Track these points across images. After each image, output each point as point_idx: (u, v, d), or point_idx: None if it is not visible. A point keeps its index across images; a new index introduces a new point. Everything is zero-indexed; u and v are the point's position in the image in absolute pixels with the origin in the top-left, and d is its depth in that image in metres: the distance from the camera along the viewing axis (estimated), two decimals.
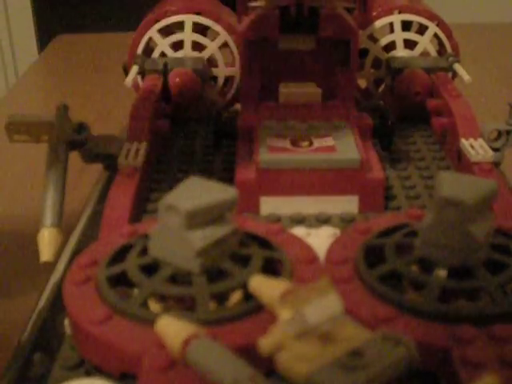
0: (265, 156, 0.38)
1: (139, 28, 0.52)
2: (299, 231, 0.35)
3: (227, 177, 0.42)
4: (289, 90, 0.44)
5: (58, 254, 0.35)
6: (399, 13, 0.52)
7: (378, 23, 0.52)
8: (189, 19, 0.51)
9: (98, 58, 0.91)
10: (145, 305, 0.27)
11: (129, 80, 0.48)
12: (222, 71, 0.52)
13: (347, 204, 0.38)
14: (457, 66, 0.50)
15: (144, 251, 0.29)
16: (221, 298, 0.28)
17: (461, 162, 0.42)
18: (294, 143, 0.39)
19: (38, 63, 0.98)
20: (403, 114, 0.51)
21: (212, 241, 0.28)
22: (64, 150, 0.40)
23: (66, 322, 0.29)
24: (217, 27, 0.51)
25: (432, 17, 0.52)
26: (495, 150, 0.42)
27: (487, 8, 1.42)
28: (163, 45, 0.51)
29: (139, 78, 0.51)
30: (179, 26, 0.51)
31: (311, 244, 0.32)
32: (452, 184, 0.28)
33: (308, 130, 0.41)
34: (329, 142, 0.40)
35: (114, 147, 0.42)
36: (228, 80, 0.53)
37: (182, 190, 0.28)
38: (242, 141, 0.42)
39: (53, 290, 0.33)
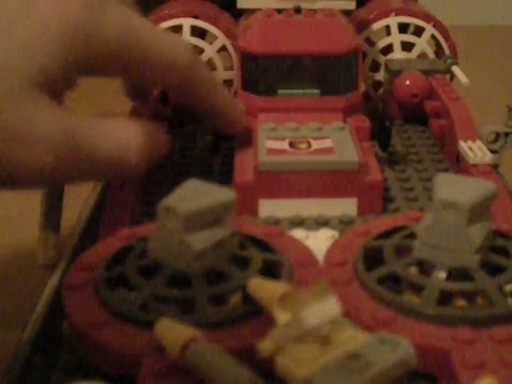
0: (263, 158, 0.38)
1: None
2: (298, 233, 0.35)
3: (226, 179, 0.42)
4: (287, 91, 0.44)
5: (56, 257, 0.35)
6: (395, 15, 0.52)
7: (375, 26, 0.52)
8: (187, 23, 0.51)
9: None
10: (144, 307, 0.27)
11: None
12: (220, 75, 0.52)
13: (346, 206, 0.38)
14: (455, 68, 0.50)
15: (143, 254, 0.29)
16: (220, 300, 0.28)
17: (459, 164, 0.42)
18: (293, 145, 0.39)
19: None
20: (401, 116, 0.51)
21: (211, 243, 0.28)
22: None
23: (65, 324, 0.29)
24: (215, 31, 0.51)
25: (428, 18, 0.52)
26: (493, 152, 0.42)
27: (485, 10, 1.42)
28: None
29: None
30: (177, 30, 0.51)
31: (310, 246, 0.32)
32: (450, 186, 0.28)
33: (306, 132, 0.41)
34: (327, 143, 0.40)
35: None
36: (226, 83, 0.53)
37: (181, 192, 0.29)
38: (240, 143, 0.42)
39: (51, 292, 0.33)
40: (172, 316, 0.25)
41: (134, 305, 0.27)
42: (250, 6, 0.48)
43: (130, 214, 0.37)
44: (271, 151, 0.39)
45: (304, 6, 0.46)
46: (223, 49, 0.52)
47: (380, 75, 0.53)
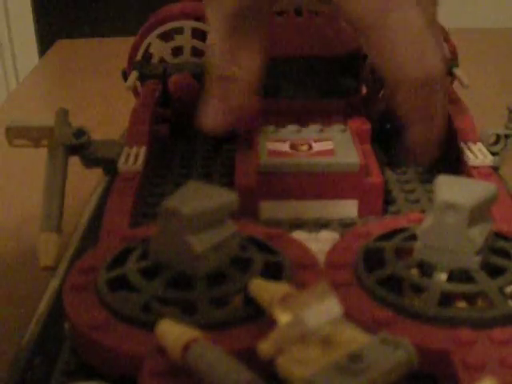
0: (264, 160, 0.38)
1: (139, 33, 0.52)
2: (299, 235, 0.35)
3: (227, 181, 0.42)
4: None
5: (57, 259, 0.35)
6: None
7: None
8: (188, 25, 0.51)
9: (98, 62, 0.91)
10: (145, 309, 0.27)
11: (128, 85, 0.48)
12: None
13: (346, 208, 0.38)
14: (456, 70, 0.50)
15: (144, 255, 0.30)
16: (221, 301, 0.28)
17: (460, 166, 0.42)
18: (293, 147, 0.40)
19: (39, 68, 0.98)
20: None
21: (212, 245, 0.28)
22: (64, 155, 0.40)
23: (66, 326, 0.29)
24: None
25: None
26: (494, 154, 0.42)
27: (486, 12, 1.42)
28: (163, 50, 0.51)
29: (138, 84, 0.51)
30: (178, 32, 0.52)
31: (311, 248, 0.32)
32: (451, 187, 0.29)
33: (307, 134, 0.41)
34: (328, 146, 0.40)
35: (114, 152, 0.42)
36: None
37: (182, 193, 0.29)
38: (241, 145, 0.42)
39: (53, 294, 0.33)
40: (173, 317, 0.25)
41: (135, 306, 0.27)
42: None
43: (131, 216, 0.37)
44: (272, 153, 0.39)
45: (305, 8, 0.46)
46: None
47: (381, 77, 0.52)
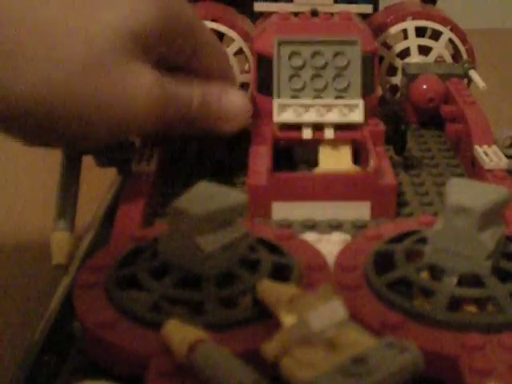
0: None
1: None
2: (310, 237, 0.35)
3: (239, 181, 0.42)
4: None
5: (70, 257, 0.36)
6: (412, 19, 0.52)
7: (392, 30, 0.52)
8: None
9: None
10: (154, 308, 0.27)
11: None
12: (237, 78, 0.52)
13: (359, 210, 0.38)
14: (472, 73, 0.50)
15: (154, 255, 0.30)
16: (229, 302, 0.28)
17: (475, 169, 0.42)
18: None
19: None
20: (418, 119, 0.51)
21: (221, 245, 0.28)
22: (78, 155, 0.40)
23: (76, 324, 0.29)
24: (232, 34, 0.51)
25: (445, 22, 0.52)
26: (509, 157, 0.41)
27: (502, 13, 1.41)
28: None
29: None
30: None
31: (322, 250, 0.32)
32: (463, 191, 0.28)
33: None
34: None
35: (128, 152, 0.43)
36: (243, 86, 0.53)
37: (192, 194, 0.29)
38: (254, 145, 0.42)
39: (64, 292, 0.33)
40: (182, 317, 0.26)
41: (144, 305, 0.27)
42: (267, 10, 0.48)
43: (144, 216, 0.37)
44: None
45: (321, 9, 0.46)
46: (240, 52, 0.52)
47: (397, 79, 0.52)
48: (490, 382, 0.22)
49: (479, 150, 0.41)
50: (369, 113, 0.43)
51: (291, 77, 0.43)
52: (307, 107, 0.42)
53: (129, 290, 0.28)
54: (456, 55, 0.53)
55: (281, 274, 0.29)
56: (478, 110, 0.45)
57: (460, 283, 0.28)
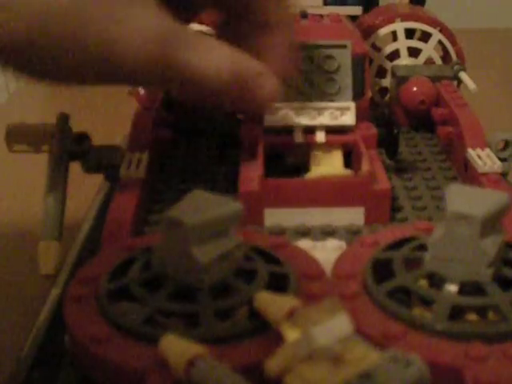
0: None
1: None
2: (304, 244, 0.34)
3: (231, 188, 0.42)
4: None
5: (58, 267, 0.35)
6: (401, 20, 0.52)
7: (381, 31, 0.52)
8: (193, 27, 0.50)
9: None
10: (148, 321, 0.26)
11: (130, 88, 0.47)
12: None
13: (353, 215, 0.38)
14: (462, 75, 0.49)
15: (146, 266, 0.29)
16: (226, 314, 0.27)
17: (468, 173, 0.41)
18: None
19: None
20: (409, 123, 0.50)
21: (216, 255, 0.27)
22: (65, 161, 0.39)
23: (67, 338, 0.28)
24: None
25: (435, 23, 0.52)
26: (502, 160, 0.41)
27: (492, 13, 1.41)
28: None
29: (140, 87, 0.51)
30: None
31: (317, 257, 0.31)
32: (462, 197, 0.28)
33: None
34: None
35: (116, 157, 0.42)
36: None
37: (186, 203, 0.28)
38: (245, 151, 0.41)
39: (53, 304, 0.32)
40: (177, 330, 0.25)
41: (137, 319, 0.26)
42: None
43: (134, 223, 0.36)
44: None
45: (310, 11, 0.45)
46: None
47: (386, 81, 0.52)
48: None
49: (472, 153, 0.41)
50: (360, 116, 0.42)
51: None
52: (298, 111, 0.41)
53: (121, 303, 0.28)
54: (446, 57, 0.52)
55: (277, 283, 0.28)
56: (469, 112, 0.44)
57: (461, 291, 0.27)
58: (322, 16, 0.45)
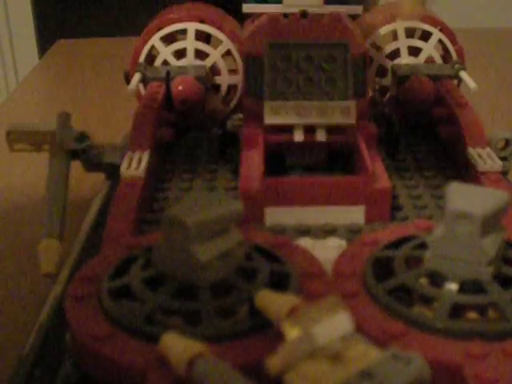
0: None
1: (142, 35, 0.51)
2: (305, 242, 0.34)
3: (231, 186, 0.42)
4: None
5: (59, 266, 0.35)
6: (402, 20, 0.52)
7: (382, 31, 0.52)
8: (192, 27, 0.50)
9: (98, 62, 0.90)
10: (149, 320, 0.26)
11: (131, 87, 0.47)
12: (225, 79, 0.51)
13: (353, 214, 0.38)
14: (462, 74, 0.49)
15: (147, 264, 0.29)
16: (227, 312, 0.27)
17: (468, 172, 0.41)
18: None
19: (39, 68, 0.97)
20: (409, 121, 0.50)
21: (217, 254, 0.27)
22: (65, 160, 0.40)
23: (68, 336, 0.28)
24: (220, 35, 0.51)
25: (435, 22, 0.52)
26: (503, 158, 0.41)
27: (492, 13, 1.41)
28: (166, 53, 0.51)
29: (141, 86, 0.51)
30: (182, 34, 0.51)
31: (318, 256, 0.31)
32: (463, 196, 0.28)
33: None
34: None
35: (116, 156, 0.42)
36: (231, 88, 0.52)
37: (186, 202, 0.28)
38: (246, 150, 0.41)
39: (54, 303, 0.32)
40: (177, 328, 0.25)
41: (138, 317, 0.26)
42: (256, 11, 0.47)
43: (135, 222, 0.36)
44: None
45: (310, 10, 0.45)
46: (228, 53, 0.51)
47: (387, 81, 0.52)
48: None
49: (472, 152, 0.41)
50: (360, 115, 0.42)
51: (282, 79, 0.42)
52: (298, 109, 0.41)
53: (122, 301, 0.28)
54: (446, 56, 0.52)
55: (278, 281, 0.29)
56: (470, 111, 0.44)
57: (461, 290, 0.27)
58: (321, 15, 0.45)
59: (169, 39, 0.51)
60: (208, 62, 0.51)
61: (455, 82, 0.50)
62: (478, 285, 0.27)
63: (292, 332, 0.22)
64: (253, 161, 0.40)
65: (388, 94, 0.52)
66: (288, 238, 0.32)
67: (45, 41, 1.48)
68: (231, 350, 0.25)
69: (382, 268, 0.30)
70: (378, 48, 0.52)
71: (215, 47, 0.51)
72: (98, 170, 0.42)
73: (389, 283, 0.28)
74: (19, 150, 0.39)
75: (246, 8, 0.48)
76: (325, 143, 0.41)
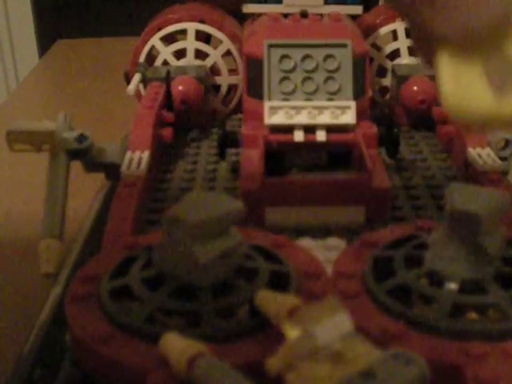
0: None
1: (142, 36, 0.51)
2: (305, 242, 0.34)
3: (231, 186, 0.42)
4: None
5: (59, 266, 0.35)
6: (402, 20, 0.52)
7: (382, 31, 0.52)
8: (192, 27, 0.50)
9: (98, 62, 0.90)
10: (149, 320, 0.26)
11: (131, 88, 0.47)
12: (225, 79, 0.52)
13: (353, 214, 0.38)
14: None
15: (148, 264, 0.29)
16: (227, 313, 0.27)
17: (468, 172, 0.41)
18: None
19: (39, 68, 0.98)
20: (409, 122, 0.50)
21: (217, 254, 0.27)
22: (65, 160, 0.40)
23: (68, 336, 0.28)
24: (220, 35, 0.51)
25: None
26: (503, 159, 0.41)
27: None
28: (166, 53, 0.51)
29: (141, 86, 0.51)
30: (182, 34, 0.51)
31: (317, 256, 0.31)
32: (463, 196, 0.28)
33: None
34: None
35: (117, 156, 0.42)
36: (231, 88, 0.52)
37: (187, 202, 0.28)
38: (246, 150, 0.41)
39: (54, 303, 0.32)
40: (177, 328, 0.25)
41: (138, 317, 0.26)
42: (256, 12, 0.48)
43: (135, 222, 0.36)
44: None
45: (310, 10, 0.45)
46: (228, 53, 0.51)
47: (387, 81, 0.52)
48: None
49: (473, 152, 0.41)
50: (360, 115, 0.42)
51: (282, 79, 0.42)
52: (299, 109, 0.41)
53: (123, 301, 0.28)
54: None
55: (278, 282, 0.29)
56: None
57: (461, 290, 0.27)
58: (322, 15, 0.45)
59: (169, 39, 0.51)
60: (208, 62, 0.51)
61: None
62: (478, 285, 0.27)
63: (292, 332, 0.22)
64: (253, 161, 0.40)
65: (388, 94, 0.52)
66: (288, 238, 0.32)
67: (45, 41, 1.48)
68: (231, 350, 0.25)
69: (382, 268, 0.30)
70: (378, 48, 0.52)
71: (215, 47, 0.51)
72: (98, 170, 0.42)
73: (389, 283, 0.28)
74: (19, 150, 0.39)
75: (247, 8, 0.48)
76: (325, 143, 0.41)
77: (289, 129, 0.41)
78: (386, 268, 0.29)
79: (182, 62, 0.51)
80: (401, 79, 0.50)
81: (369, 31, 0.51)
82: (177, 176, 0.43)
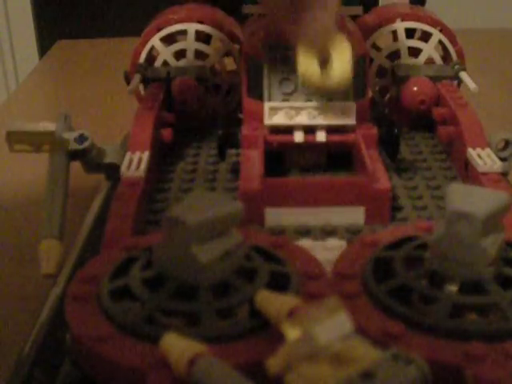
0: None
1: (142, 36, 0.51)
2: (305, 243, 0.34)
3: (231, 186, 0.42)
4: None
5: (59, 266, 0.35)
6: (402, 20, 0.52)
7: (382, 31, 0.52)
8: (192, 28, 0.50)
9: (98, 62, 0.90)
10: (149, 320, 0.26)
11: (131, 88, 0.47)
12: (225, 79, 0.51)
13: (353, 215, 0.38)
14: (463, 74, 0.49)
15: (148, 265, 0.29)
16: (227, 313, 0.27)
17: (468, 172, 0.41)
18: None
19: (39, 68, 0.97)
20: (409, 122, 0.50)
21: (217, 255, 0.27)
22: (65, 160, 0.40)
23: (68, 336, 0.28)
24: (220, 35, 0.51)
25: (435, 23, 0.52)
26: (503, 159, 0.41)
27: (492, 13, 1.41)
28: (166, 53, 0.51)
29: (141, 87, 0.51)
30: (182, 35, 0.51)
31: (318, 257, 0.31)
32: (463, 196, 0.28)
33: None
34: None
35: (116, 157, 0.42)
36: (231, 88, 0.52)
37: (187, 202, 0.28)
38: (246, 150, 0.41)
39: (54, 303, 0.32)
40: (178, 329, 0.25)
41: (138, 318, 0.26)
42: (256, 12, 0.48)
43: (135, 223, 0.36)
44: None
45: None
46: (228, 53, 0.51)
47: (387, 81, 0.52)
48: None
49: (472, 153, 0.41)
50: (360, 116, 0.42)
51: (282, 80, 0.42)
52: (299, 110, 0.41)
53: (122, 302, 0.28)
54: (446, 57, 0.52)
55: (278, 282, 0.29)
56: (470, 112, 0.44)
57: (461, 291, 0.28)
58: None
59: (169, 40, 0.51)
60: (208, 63, 0.51)
61: (455, 82, 0.50)
62: (479, 285, 0.28)
63: (292, 333, 0.22)
64: (253, 161, 0.40)
65: (388, 95, 0.52)
66: (287, 239, 0.32)
67: (45, 41, 1.48)
68: (231, 350, 0.25)
69: (382, 268, 0.30)
70: (378, 48, 0.52)
71: (215, 48, 0.51)
72: (98, 171, 0.42)
73: (389, 284, 0.28)
74: (19, 151, 0.39)
75: (246, 8, 0.48)
76: (325, 144, 0.41)
77: (289, 129, 0.41)
78: (386, 268, 0.29)
79: (181, 63, 0.51)
80: (401, 80, 0.50)
81: (369, 32, 0.51)
82: (177, 176, 0.43)
